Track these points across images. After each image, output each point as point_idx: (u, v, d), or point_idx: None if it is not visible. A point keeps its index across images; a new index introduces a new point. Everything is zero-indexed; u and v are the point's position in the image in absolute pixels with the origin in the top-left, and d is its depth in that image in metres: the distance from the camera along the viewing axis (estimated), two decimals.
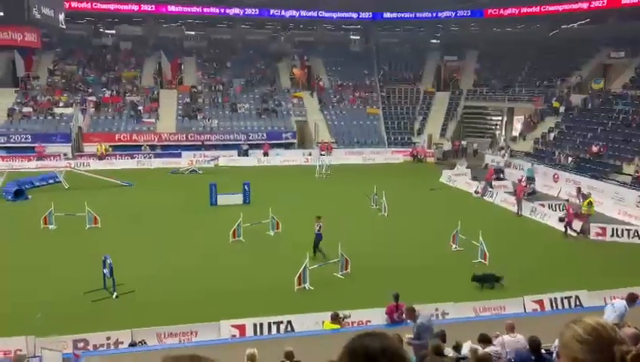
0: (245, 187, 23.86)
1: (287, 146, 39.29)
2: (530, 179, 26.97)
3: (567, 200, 22.28)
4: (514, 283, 14.03)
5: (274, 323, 11.32)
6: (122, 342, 10.41)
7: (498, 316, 11.78)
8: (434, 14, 47.37)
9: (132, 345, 9.80)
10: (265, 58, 47.83)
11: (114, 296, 13.05)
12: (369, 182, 25.14)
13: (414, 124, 43.06)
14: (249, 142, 38.12)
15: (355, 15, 48.48)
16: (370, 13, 48.44)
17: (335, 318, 10.14)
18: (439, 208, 23.82)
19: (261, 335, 11.00)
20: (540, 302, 12.59)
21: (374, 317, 11.57)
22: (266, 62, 47.43)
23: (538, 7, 42.30)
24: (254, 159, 36.53)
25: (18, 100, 38.25)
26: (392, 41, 51.19)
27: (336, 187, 28.32)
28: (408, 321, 10.53)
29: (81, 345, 10.18)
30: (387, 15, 48.42)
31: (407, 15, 47.98)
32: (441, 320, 11.61)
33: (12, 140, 34.62)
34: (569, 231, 19.32)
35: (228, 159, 35.90)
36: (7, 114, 36.57)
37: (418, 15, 47.55)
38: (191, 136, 37.85)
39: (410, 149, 39.63)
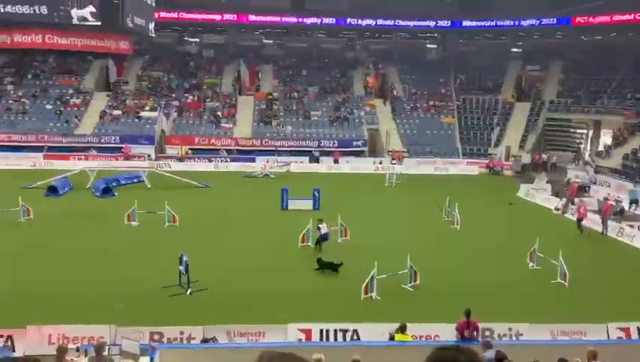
0: (315, 193, 24.11)
1: (358, 154, 39.31)
2: (634, 202, 24.96)
3: None
4: (596, 308, 13.13)
5: (340, 330, 11.31)
6: (194, 338, 10.82)
7: (578, 341, 11.05)
8: (516, 22, 45.64)
9: (204, 341, 10.16)
10: (339, 66, 48.25)
11: (188, 293, 13.60)
12: (441, 193, 24.57)
13: (491, 135, 41.61)
14: (320, 149, 38.53)
15: (432, 23, 47.74)
16: (449, 22, 47.49)
17: (404, 330, 9.96)
18: (516, 223, 22.82)
19: (327, 342, 11.03)
20: (626, 330, 11.69)
21: (443, 332, 11.26)
22: (341, 70, 47.82)
23: (632, 15, 39.55)
24: (325, 166, 36.85)
25: (109, 104, 41.08)
26: (471, 49, 49.91)
27: (406, 197, 27.92)
28: (478, 340, 10.16)
29: (156, 337, 10.70)
30: (467, 23, 47.26)
31: (487, 23, 46.60)
32: (515, 341, 11.10)
33: (102, 141, 37.20)
34: None
35: (299, 165, 36.48)
36: (100, 116, 39.37)
37: (499, 23, 46.03)
38: (265, 142, 38.86)
39: (486, 161, 38.32)
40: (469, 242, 19.44)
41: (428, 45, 52.41)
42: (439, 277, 15.17)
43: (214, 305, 13.11)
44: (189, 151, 37.31)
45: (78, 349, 9.47)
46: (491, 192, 30.10)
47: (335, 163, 37.38)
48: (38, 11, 37.81)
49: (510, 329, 11.43)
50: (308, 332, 11.25)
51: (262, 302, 13.41)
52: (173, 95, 43.00)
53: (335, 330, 11.35)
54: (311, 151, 38.37)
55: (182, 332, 10.98)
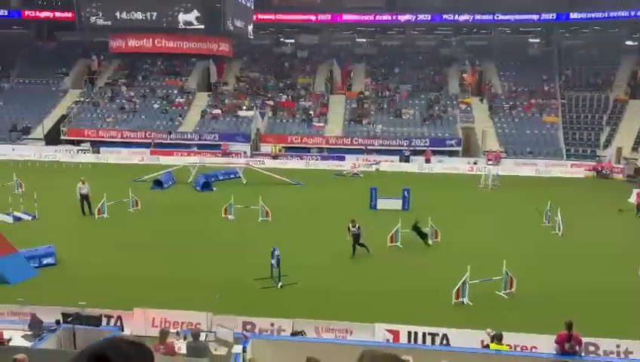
0: (405, 193, 23.75)
1: (451, 154, 38.15)
2: None
3: None
4: None
5: (429, 334, 11.05)
6: (284, 330, 11.11)
7: None
8: (632, 13, 41.76)
9: (294, 334, 10.39)
10: (434, 63, 47.13)
11: (279, 286, 14.00)
12: (542, 197, 23.15)
13: (600, 136, 38.49)
14: (411, 148, 37.89)
15: (535, 17, 45.11)
16: (554, 14, 44.60)
17: (500, 339, 9.48)
18: (626, 232, 20.91)
19: (415, 344, 10.82)
20: None
21: (540, 344, 10.59)
22: (435, 67, 46.68)
23: None
24: (416, 165, 36.18)
25: (210, 103, 43.40)
26: (577, 43, 46.48)
27: (503, 199, 26.64)
28: (581, 355, 9.45)
29: (249, 327, 11.12)
30: (574, 15, 44.06)
31: (597, 15, 43.10)
32: (623, 360, 10.17)
33: (203, 138, 39.39)
34: None
35: (389, 164, 36.14)
36: (201, 115, 41.72)
37: (612, 14, 42.39)
38: (355, 141, 38.97)
39: (594, 163, 35.50)
40: (572, 250, 18.12)
41: (530, 40, 49.56)
42: (537, 286, 14.29)
43: (303, 300, 13.37)
44: (282, 149, 38.38)
45: (177, 333, 10.09)
46: (598, 197, 27.84)
47: (426, 162, 36.58)
48: (149, 17, 40.91)
49: (618, 346, 10.48)
50: (396, 334, 11.11)
51: (349, 299, 13.46)
52: (269, 95, 44.46)
53: (424, 333, 11.10)
54: (401, 150, 37.87)
55: (272, 324, 11.32)
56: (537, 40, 49.55)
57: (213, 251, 17.09)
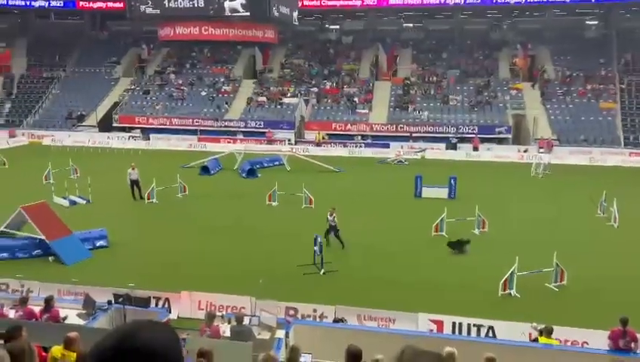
0: (451, 181, 23.25)
1: (500, 141, 37.01)
2: None
3: None
4: None
5: (474, 325, 10.81)
6: (326, 317, 11.15)
7: None
8: None
9: (336, 321, 10.41)
10: (483, 48, 45.70)
11: (321, 273, 14.05)
12: (597, 187, 22.15)
13: None
14: (458, 136, 37.01)
15: None
16: None
17: (550, 333, 9.15)
18: None
19: (459, 335, 10.62)
20: None
21: (592, 339, 10.16)
22: (484, 52, 45.27)
23: None
24: (463, 153, 35.34)
25: (255, 91, 43.79)
26: (639, 25, 43.81)
27: (554, 188, 25.64)
28: (636, 352, 9.00)
29: (291, 312, 11.23)
30: None
31: None
32: None
33: (249, 126, 39.86)
34: None
35: (435, 152, 35.46)
36: (247, 102, 42.19)
37: None
38: (400, 128, 38.41)
39: None
40: (628, 242, 17.25)
41: (587, 22, 47.15)
42: (589, 279, 13.72)
43: (345, 287, 13.36)
44: (326, 137, 38.33)
45: (222, 317, 10.30)
46: None
47: (474, 150, 35.65)
48: (196, 5, 41.53)
49: None
50: (439, 324, 10.94)
51: (392, 288, 13.34)
52: (313, 82, 44.38)
53: (469, 324, 10.88)
54: (448, 137, 37.05)
55: (315, 310, 11.38)
56: (595, 22, 47.09)
57: (257, 237, 17.32)
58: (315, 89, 43.22)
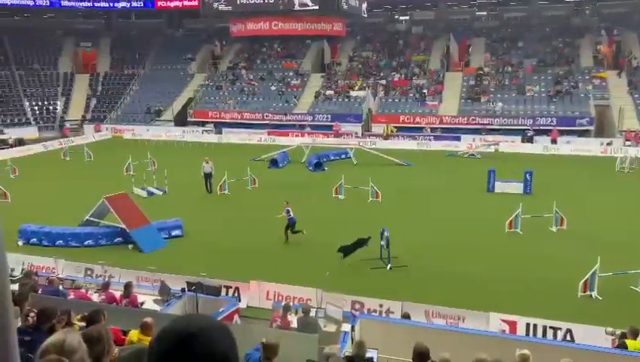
0: (527, 176, 22.18)
1: (581, 134, 34.82)
2: None
3: None
4: None
5: (550, 327, 10.27)
6: (393, 312, 11.01)
7: None
8: None
9: (404, 317, 10.24)
10: (563, 35, 43.12)
11: (388, 268, 13.89)
12: None
13: None
14: (535, 128, 35.19)
15: None
16: None
17: (636, 335, 8.43)
18: None
19: (533, 337, 10.11)
20: None
21: None
22: (565, 39, 42.70)
23: None
24: (540, 146, 33.56)
25: (323, 84, 43.96)
26: None
27: None
28: None
29: (357, 306, 11.19)
30: None
31: None
32: None
33: (316, 119, 40.12)
34: None
35: (510, 145, 33.97)
36: (315, 96, 42.46)
37: None
38: (472, 120, 37.13)
39: None
40: None
41: None
42: None
43: (412, 282, 13.15)
44: (394, 129, 37.80)
45: (290, 307, 10.44)
46: None
47: (552, 143, 33.77)
48: (266, 0, 42.29)
49: None
50: (512, 325, 10.49)
51: (461, 285, 12.96)
52: (381, 74, 43.88)
53: (544, 326, 10.34)
54: (524, 129, 35.34)
55: (381, 305, 11.27)
56: None
57: (324, 229, 17.41)
58: (383, 81, 42.70)
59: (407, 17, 50.81)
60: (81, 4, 50.68)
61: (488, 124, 36.39)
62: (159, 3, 51.60)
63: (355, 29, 48.49)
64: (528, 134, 34.78)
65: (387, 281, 13.25)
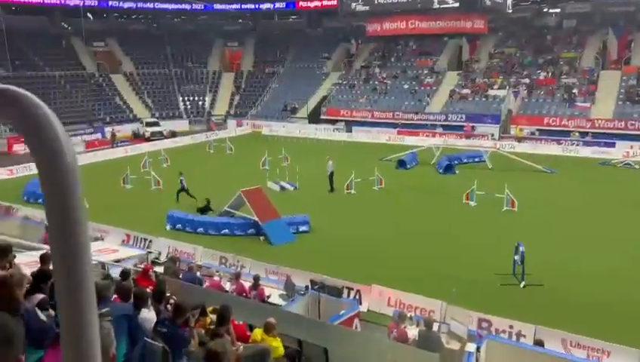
0: None
1: None
2: None
3: None
4: None
5: None
6: (524, 336, 10.14)
7: None
8: None
9: (537, 343, 9.35)
10: None
11: (521, 285, 12.85)
12: None
13: None
14: None
15: None
16: None
17: None
18: None
19: None
20: None
21: None
22: None
23: None
24: None
25: (459, 83, 42.22)
26: None
27: None
28: None
29: (484, 325, 10.48)
30: None
31: None
32: None
33: (449, 119, 38.67)
34: None
35: None
36: (449, 95, 40.97)
37: None
38: (631, 125, 32.97)
39: None
40: None
41: None
42: None
43: (548, 305, 11.99)
44: (536, 132, 35.00)
45: (410, 318, 10.13)
46: None
47: None
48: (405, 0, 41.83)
49: None
50: None
51: (608, 314, 11.51)
52: (525, 72, 40.90)
53: None
54: None
55: (511, 327, 10.44)
56: None
57: (452, 238, 16.69)
58: (527, 80, 39.74)
59: (558, 10, 46.65)
60: (231, 6, 54.68)
61: None
62: (300, 3, 53.73)
63: (497, 24, 45.79)
64: None
65: (519, 300, 12.26)
